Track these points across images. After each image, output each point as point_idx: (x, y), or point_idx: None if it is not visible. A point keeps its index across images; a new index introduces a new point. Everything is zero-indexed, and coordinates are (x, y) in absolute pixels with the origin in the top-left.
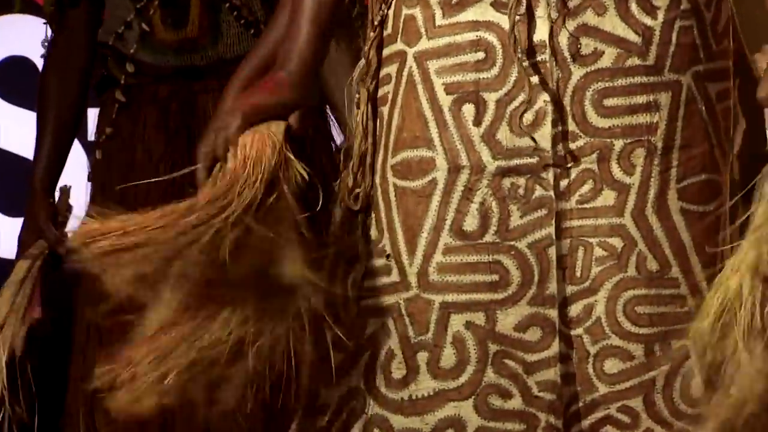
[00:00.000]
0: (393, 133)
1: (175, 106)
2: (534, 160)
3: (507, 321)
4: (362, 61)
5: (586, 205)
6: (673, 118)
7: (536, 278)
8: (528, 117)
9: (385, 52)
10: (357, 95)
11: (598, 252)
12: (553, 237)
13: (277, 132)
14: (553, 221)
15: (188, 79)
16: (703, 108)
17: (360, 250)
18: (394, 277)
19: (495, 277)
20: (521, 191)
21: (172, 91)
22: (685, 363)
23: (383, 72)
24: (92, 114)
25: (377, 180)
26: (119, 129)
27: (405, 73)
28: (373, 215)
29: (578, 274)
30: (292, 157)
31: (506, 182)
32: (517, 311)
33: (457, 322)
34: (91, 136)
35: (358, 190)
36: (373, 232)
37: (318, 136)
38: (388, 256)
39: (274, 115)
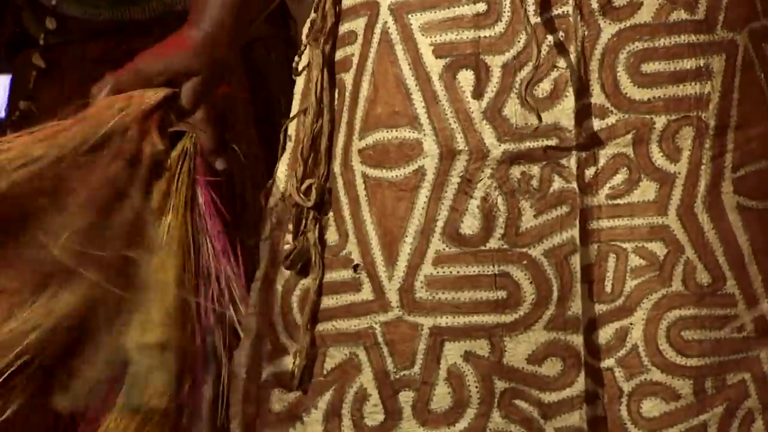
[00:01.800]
0: (361, 107)
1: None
2: (552, 142)
3: (518, 350)
4: (314, 14)
5: (618, 201)
6: (728, 89)
7: (555, 295)
8: (544, 87)
9: (347, 1)
10: (307, 58)
11: (635, 261)
12: (577, 242)
13: (150, 98)
14: (577, 221)
15: (126, 36)
16: (762, 76)
17: (313, 258)
18: (366, 294)
19: (502, 294)
20: (535, 183)
21: (105, 51)
22: (743, 404)
23: (344, 28)
24: (1, 83)
25: (336, 168)
26: (38, 102)
27: (378, 31)
28: (330, 214)
29: (609, 289)
30: (154, 127)
31: (516, 171)
32: (531, 338)
33: (453, 352)
34: (0, 111)
35: (310, 182)
36: (331, 236)
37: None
38: (356, 267)
39: (162, 83)
